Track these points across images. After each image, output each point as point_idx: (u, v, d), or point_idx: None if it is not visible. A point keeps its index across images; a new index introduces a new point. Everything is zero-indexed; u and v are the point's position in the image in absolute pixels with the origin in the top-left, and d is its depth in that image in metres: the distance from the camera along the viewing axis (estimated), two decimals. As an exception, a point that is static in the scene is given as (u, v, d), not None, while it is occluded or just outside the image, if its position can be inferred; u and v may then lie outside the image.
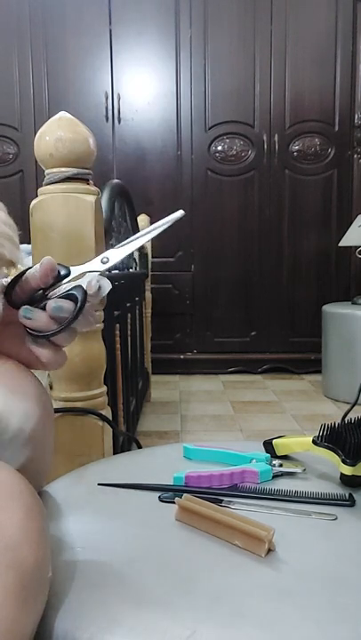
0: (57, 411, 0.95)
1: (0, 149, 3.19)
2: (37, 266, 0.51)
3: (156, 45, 3.13)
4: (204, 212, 3.14)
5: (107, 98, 3.15)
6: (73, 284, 0.51)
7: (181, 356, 3.26)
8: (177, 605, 0.42)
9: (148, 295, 2.62)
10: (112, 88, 3.15)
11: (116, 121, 3.16)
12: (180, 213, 0.53)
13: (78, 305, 0.50)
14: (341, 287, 3.26)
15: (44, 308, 0.50)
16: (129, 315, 1.75)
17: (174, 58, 3.14)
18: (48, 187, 0.94)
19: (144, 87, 3.16)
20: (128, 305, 1.74)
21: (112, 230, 1.53)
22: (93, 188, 0.96)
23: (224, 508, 0.55)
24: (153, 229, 0.54)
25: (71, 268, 0.52)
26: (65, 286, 0.51)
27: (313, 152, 3.18)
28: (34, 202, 0.94)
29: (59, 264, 0.52)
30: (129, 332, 1.73)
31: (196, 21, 3.10)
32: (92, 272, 0.52)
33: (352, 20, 3.11)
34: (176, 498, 0.55)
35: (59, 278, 0.51)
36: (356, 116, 3.18)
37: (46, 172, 0.94)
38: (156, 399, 2.68)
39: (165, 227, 0.53)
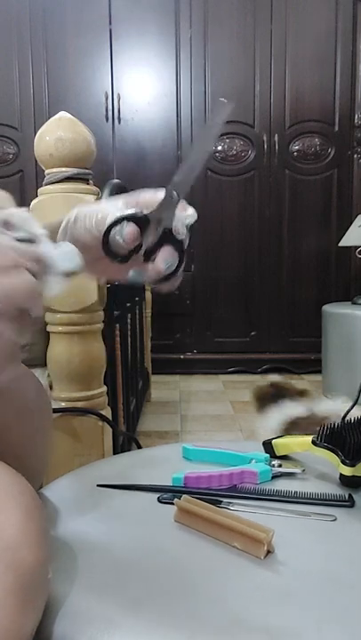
0: (57, 411, 0.95)
1: (0, 149, 3.18)
2: (121, 230, 0.51)
3: (156, 45, 3.13)
4: (204, 211, 3.13)
5: (107, 98, 3.15)
6: (160, 230, 0.51)
7: (181, 356, 3.26)
8: (175, 608, 0.41)
9: (148, 295, 2.62)
10: (112, 88, 3.15)
11: (116, 121, 3.16)
12: (227, 106, 0.52)
13: (181, 255, 0.51)
14: (341, 287, 3.26)
15: (145, 255, 0.51)
16: (129, 315, 1.75)
17: (174, 58, 3.14)
18: (48, 187, 0.94)
19: (144, 87, 3.16)
20: (128, 305, 1.74)
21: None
22: (93, 188, 0.96)
23: (223, 510, 0.55)
24: (207, 138, 0.53)
25: (149, 214, 0.52)
26: (153, 237, 0.51)
27: (313, 152, 3.18)
28: (34, 202, 0.94)
29: (136, 218, 0.51)
30: (129, 332, 1.73)
31: (196, 21, 3.10)
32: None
33: (352, 19, 3.10)
34: (175, 499, 0.55)
35: (142, 232, 0.52)
36: (357, 116, 3.18)
37: (46, 172, 0.94)
38: (156, 399, 2.68)
39: (219, 128, 0.52)
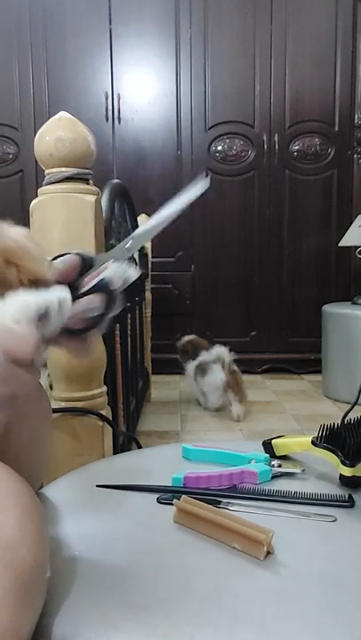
0: (57, 411, 0.95)
1: (0, 149, 3.18)
2: (62, 258, 0.50)
3: (156, 45, 3.13)
4: (204, 211, 3.13)
5: (107, 98, 3.15)
6: (99, 277, 0.49)
7: (181, 356, 3.25)
8: (175, 610, 0.41)
9: (148, 295, 2.62)
10: (112, 88, 3.15)
11: (116, 121, 3.16)
12: (204, 183, 0.50)
13: (107, 303, 0.49)
14: (341, 287, 3.26)
15: (73, 300, 0.49)
16: (129, 315, 1.75)
17: (174, 58, 3.13)
18: (48, 187, 0.93)
19: (144, 87, 3.16)
20: (128, 305, 1.74)
21: (112, 230, 1.53)
22: (93, 188, 0.96)
23: (223, 510, 0.55)
24: (175, 206, 0.50)
25: (96, 256, 0.51)
26: (89, 279, 0.50)
27: (313, 152, 3.18)
28: (34, 202, 0.94)
29: (82, 255, 0.50)
30: (129, 332, 1.73)
31: (196, 21, 3.10)
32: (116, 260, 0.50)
33: (352, 19, 3.10)
34: (174, 500, 0.55)
35: (82, 271, 0.50)
36: (357, 116, 3.17)
37: (46, 172, 0.94)
38: (156, 399, 2.68)
39: (190, 199, 0.50)
